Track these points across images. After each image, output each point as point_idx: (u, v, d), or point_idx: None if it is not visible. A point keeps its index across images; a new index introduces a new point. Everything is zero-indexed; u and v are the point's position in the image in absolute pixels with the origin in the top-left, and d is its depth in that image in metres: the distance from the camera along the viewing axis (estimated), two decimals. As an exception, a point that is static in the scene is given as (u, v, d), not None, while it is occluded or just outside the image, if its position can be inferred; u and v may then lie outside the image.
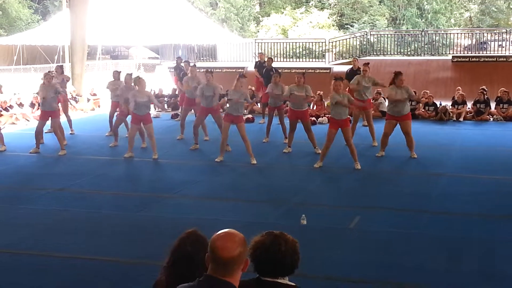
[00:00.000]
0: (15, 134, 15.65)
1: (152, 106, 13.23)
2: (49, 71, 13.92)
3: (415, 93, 14.17)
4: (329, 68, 23.63)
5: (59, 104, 13.77)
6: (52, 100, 13.00)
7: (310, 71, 21.73)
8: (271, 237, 3.10)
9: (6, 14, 49.26)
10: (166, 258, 3.68)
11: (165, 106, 20.01)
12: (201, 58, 27.95)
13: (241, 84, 11.87)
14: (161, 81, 24.07)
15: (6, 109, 17.62)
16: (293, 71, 22.18)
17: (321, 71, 23.41)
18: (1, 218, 8.54)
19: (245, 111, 19.37)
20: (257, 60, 20.72)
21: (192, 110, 14.55)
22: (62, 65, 16.73)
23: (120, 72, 15.47)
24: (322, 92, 18.28)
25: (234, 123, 11.78)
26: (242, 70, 23.46)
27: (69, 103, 16.72)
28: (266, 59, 19.18)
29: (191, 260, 3.53)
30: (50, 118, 13.15)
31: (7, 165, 12.18)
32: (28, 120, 17.85)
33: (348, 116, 11.57)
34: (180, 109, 17.62)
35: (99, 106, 21.16)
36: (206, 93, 12.78)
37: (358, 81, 13.76)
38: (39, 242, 7.46)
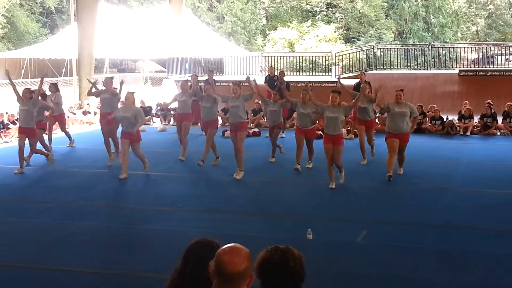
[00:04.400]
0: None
1: (158, 119, 13.22)
2: (29, 88, 12.88)
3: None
4: (336, 82, 23.59)
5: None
6: (29, 116, 12.35)
7: (317, 84, 21.73)
8: (279, 253, 3.05)
9: (15, 28, 49.62)
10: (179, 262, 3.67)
11: (171, 119, 20.03)
12: (208, 72, 28.01)
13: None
14: (168, 95, 24.11)
15: (13, 123, 17.68)
16: (300, 84, 22.30)
17: (328, 85, 23.37)
18: (7, 231, 8.54)
19: (251, 124, 19.45)
20: (267, 74, 20.73)
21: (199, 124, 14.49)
22: (56, 83, 16.24)
23: (112, 78, 15.12)
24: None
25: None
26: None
27: (67, 117, 16.58)
28: (277, 73, 19.21)
29: (203, 261, 3.52)
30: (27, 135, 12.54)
31: (13, 178, 12.19)
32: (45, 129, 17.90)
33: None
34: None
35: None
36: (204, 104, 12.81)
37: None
38: (44, 256, 7.45)
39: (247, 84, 12.27)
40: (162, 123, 20.27)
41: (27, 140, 12.62)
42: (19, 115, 12.93)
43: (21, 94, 12.59)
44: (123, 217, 9.21)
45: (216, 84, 17.47)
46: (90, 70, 23.26)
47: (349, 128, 17.25)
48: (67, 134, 15.66)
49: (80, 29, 23.22)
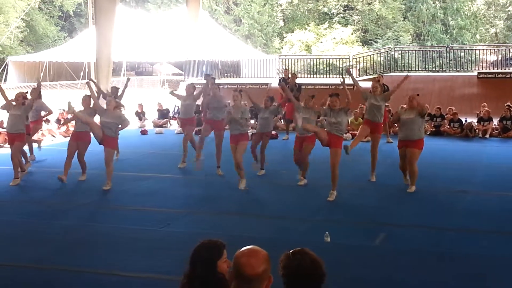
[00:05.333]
0: (41, 150, 15.77)
1: (176, 122, 13.08)
2: (22, 92, 12.34)
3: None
4: (353, 85, 23.52)
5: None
6: (19, 121, 11.78)
7: (334, 87, 21.66)
8: (299, 256, 3.04)
9: (34, 32, 50.15)
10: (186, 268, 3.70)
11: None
12: (225, 74, 28.08)
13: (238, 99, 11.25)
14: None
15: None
16: (317, 87, 22.27)
17: (346, 87, 23.31)
18: (29, 232, 8.61)
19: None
20: (281, 76, 20.68)
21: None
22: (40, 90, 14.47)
23: (118, 88, 14.80)
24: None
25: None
26: (266, 86, 23.56)
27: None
28: (290, 75, 19.12)
29: (208, 264, 3.54)
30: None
31: (33, 180, 12.29)
32: (54, 136, 18.04)
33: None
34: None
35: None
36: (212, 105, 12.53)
37: (366, 97, 11.88)
38: (64, 257, 7.49)
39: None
40: (179, 125, 20.33)
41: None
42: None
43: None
44: (141, 219, 9.24)
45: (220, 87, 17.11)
46: (108, 73, 23.41)
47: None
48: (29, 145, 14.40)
49: (98, 32, 23.37)
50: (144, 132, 19.38)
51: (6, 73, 37.96)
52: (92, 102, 11.61)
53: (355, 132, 16.32)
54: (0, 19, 45.87)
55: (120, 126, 11.28)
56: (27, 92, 12.66)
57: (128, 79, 14.31)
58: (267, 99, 12.37)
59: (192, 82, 14.52)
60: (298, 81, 18.84)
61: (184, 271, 3.66)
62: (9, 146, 12.27)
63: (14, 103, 11.93)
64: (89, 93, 11.91)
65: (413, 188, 10.76)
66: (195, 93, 13.17)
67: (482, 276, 6.71)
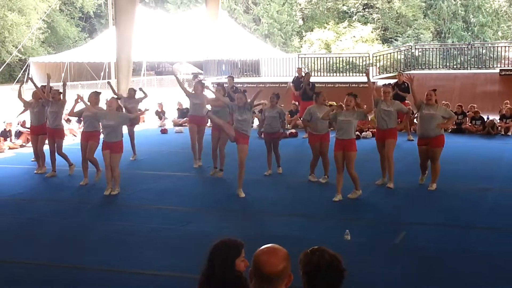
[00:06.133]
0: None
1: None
2: (58, 90, 12.83)
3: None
4: (373, 83, 23.39)
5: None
6: (57, 117, 12.50)
7: (354, 85, 21.58)
8: (319, 254, 3.02)
9: (55, 33, 50.61)
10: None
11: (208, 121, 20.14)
12: (244, 74, 28.07)
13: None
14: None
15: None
16: (337, 85, 22.19)
17: (365, 85, 23.18)
18: (50, 231, 8.68)
19: (288, 125, 19.41)
20: (295, 75, 20.53)
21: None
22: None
23: (135, 90, 14.94)
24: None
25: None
26: (285, 85, 23.50)
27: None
28: (304, 74, 19.01)
29: (226, 263, 3.52)
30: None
31: (53, 179, 12.38)
32: (75, 136, 18.15)
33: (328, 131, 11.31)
34: None
35: (143, 121, 21.45)
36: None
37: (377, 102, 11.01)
38: (85, 256, 7.54)
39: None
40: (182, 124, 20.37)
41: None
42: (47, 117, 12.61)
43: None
44: (161, 218, 9.27)
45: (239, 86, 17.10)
46: (128, 73, 23.50)
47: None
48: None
49: (118, 33, 23.49)
50: (164, 131, 19.47)
51: (28, 74, 38.36)
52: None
53: (375, 130, 16.21)
54: (21, 20, 46.34)
55: (130, 121, 11.27)
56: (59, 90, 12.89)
57: (145, 95, 14.45)
58: (272, 96, 12.09)
59: (200, 80, 14.41)
60: (317, 79, 18.74)
61: (201, 269, 3.64)
62: (48, 142, 12.81)
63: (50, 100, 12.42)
64: (97, 91, 12.16)
65: (434, 186, 10.67)
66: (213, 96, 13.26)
67: (508, 275, 6.63)
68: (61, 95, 12.56)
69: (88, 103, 11.54)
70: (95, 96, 11.66)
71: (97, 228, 8.79)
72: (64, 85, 13.11)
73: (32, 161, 14.18)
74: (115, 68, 25.45)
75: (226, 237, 3.65)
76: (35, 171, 12.94)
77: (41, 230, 8.78)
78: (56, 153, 12.57)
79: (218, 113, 11.61)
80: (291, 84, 19.46)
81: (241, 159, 10.41)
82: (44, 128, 12.70)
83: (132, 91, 14.64)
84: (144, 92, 15.12)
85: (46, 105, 12.53)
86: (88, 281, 6.69)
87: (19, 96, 13.47)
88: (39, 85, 13.28)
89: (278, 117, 12.03)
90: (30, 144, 16.82)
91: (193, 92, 13.15)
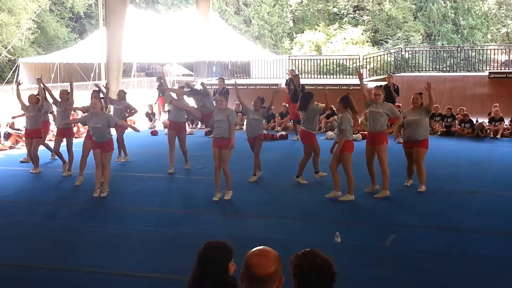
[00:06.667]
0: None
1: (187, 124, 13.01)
2: (66, 90, 13.20)
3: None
4: (365, 84, 23.44)
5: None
6: (65, 117, 12.87)
7: (344, 87, 21.64)
8: (310, 257, 3.03)
9: (45, 33, 50.40)
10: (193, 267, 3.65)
11: (199, 123, 20.15)
12: (235, 75, 28.08)
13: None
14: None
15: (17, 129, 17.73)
16: (327, 87, 22.23)
17: (355, 87, 23.26)
18: (40, 233, 8.65)
19: (278, 128, 19.45)
20: (288, 77, 20.52)
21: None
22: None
23: (126, 92, 14.82)
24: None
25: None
26: (276, 87, 23.54)
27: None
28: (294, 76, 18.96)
29: (221, 266, 3.50)
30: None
31: (44, 181, 12.35)
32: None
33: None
34: None
35: (134, 123, 21.39)
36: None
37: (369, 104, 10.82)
38: (75, 258, 7.52)
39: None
40: (189, 126, 20.38)
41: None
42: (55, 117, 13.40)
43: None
44: (150, 220, 9.26)
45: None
46: (118, 74, 23.45)
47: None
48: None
49: (108, 33, 23.44)
50: (154, 133, 19.44)
51: (18, 75, 38.20)
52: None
53: (365, 132, 16.25)
54: (11, 20, 46.11)
55: (116, 124, 11.22)
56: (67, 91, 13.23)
57: (108, 88, 14.25)
58: (257, 100, 11.99)
59: (182, 85, 14.47)
60: (308, 81, 18.74)
61: (191, 273, 3.61)
62: (55, 139, 13.36)
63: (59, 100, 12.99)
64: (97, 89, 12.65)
65: (423, 188, 10.72)
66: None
67: (496, 277, 6.67)
68: (69, 94, 12.91)
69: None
70: (95, 95, 12.40)
71: (86, 230, 8.77)
72: (71, 84, 13.37)
73: (21, 162, 14.15)
74: (105, 69, 25.41)
75: (215, 240, 3.63)
76: (31, 171, 13.00)
77: (29, 232, 8.73)
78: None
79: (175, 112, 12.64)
80: (285, 86, 19.39)
81: (257, 152, 11.71)
82: (39, 132, 12.92)
83: (122, 93, 14.58)
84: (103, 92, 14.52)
85: (41, 109, 12.88)
86: (77, 283, 6.67)
87: (18, 96, 13.46)
88: (29, 86, 13.40)
89: (261, 120, 12.00)
90: (19, 145, 16.84)
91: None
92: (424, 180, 10.75)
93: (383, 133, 10.61)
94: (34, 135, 12.90)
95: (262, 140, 12.05)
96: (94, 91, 13.02)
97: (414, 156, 10.77)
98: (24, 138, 14.32)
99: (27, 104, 13.00)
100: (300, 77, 19.80)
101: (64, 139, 13.07)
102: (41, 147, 13.38)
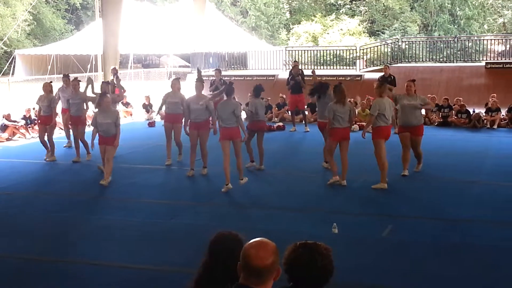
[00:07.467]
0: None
1: None
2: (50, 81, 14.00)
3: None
4: (360, 76, 23.51)
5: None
6: (80, 107, 13.55)
7: (341, 78, 21.61)
8: (307, 251, 3.02)
9: (41, 25, 50.17)
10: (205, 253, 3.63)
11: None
12: (232, 66, 28.03)
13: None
14: (192, 90, 24.15)
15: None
16: (324, 78, 22.19)
17: (356, 78, 23.28)
18: (39, 225, 8.66)
19: (275, 118, 19.44)
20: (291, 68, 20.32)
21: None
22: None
23: (109, 84, 15.10)
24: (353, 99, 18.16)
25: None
26: (273, 78, 23.52)
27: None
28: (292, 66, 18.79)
29: (232, 254, 3.49)
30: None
31: (35, 173, 12.35)
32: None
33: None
34: None
35: (131, 115, 21.38)
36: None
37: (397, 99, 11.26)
38: (74, 250, 7.54)
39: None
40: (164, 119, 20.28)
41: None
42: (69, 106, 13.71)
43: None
44: (148, 212, 9.27)
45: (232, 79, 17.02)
46: (115, 65, 23.37)
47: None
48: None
49: (105, 25, 23.35)
50: (151, 124, 19.39)
51: (14, 67, 38.07)
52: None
53: (362, 123, 16.28)
54: (7, 12, 45.91)
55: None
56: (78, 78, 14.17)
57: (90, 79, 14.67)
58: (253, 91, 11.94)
59: (176, 77, 14.41)
60: (305, 72, 18.51)
61: (202, 260, 3.59)
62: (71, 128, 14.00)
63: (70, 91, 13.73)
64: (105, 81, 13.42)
65: (419, 167, 11.47)
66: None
67: (493, 267, 6.70)
68: (82, 88, 13.73)
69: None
70: (106, 85, 13.32)
71: (83, 221, 8.78)
72: (90, 81, 14.16)
73: (64, 147, 14.86)
74: (101, 60, 25.33)
75: (227, 230, 3.62)
76: (46, 159, 13.39)
77: (27, 224, 8.75)
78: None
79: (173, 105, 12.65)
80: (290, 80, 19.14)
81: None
82: (51, 118, 13.39)
83: (105, 85, 14.62)
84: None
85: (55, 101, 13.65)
86: (75, 275, 6.69)
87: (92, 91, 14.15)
88: (25, 78, 13.78)
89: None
90: (16, 137, 16.84)
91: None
92: (421, 160, 11.47)
93: (421, 125, 11.24)
94: (48, 122, 13.36)
95: (263, 131, 11.98)
96: (103, 82, 13.43)
97: (413, 145, 11.20)
98: (37, 126, 15.11)
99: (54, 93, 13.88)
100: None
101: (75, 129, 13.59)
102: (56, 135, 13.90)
